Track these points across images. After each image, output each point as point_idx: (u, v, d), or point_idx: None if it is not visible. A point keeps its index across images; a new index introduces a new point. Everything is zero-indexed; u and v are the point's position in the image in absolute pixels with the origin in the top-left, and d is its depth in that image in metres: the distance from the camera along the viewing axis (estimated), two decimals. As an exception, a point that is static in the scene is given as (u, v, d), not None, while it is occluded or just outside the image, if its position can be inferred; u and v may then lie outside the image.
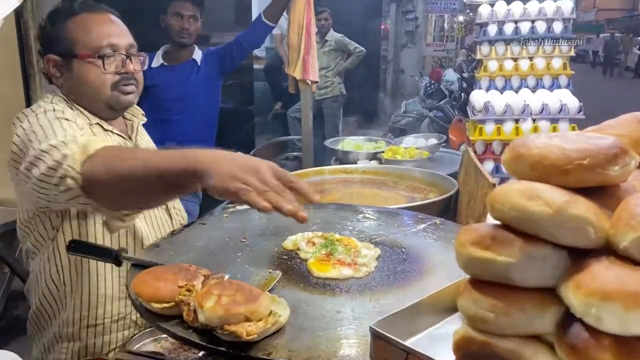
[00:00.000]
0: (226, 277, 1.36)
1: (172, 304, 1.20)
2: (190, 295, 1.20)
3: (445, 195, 2.20)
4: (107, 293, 1.79)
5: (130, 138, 1.90)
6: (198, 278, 1.27)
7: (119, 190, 1.35)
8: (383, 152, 3.11)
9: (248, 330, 1.09)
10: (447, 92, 7.83)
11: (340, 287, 1.38)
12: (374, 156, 3.14)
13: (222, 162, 1.20)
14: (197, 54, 3.90)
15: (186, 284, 1.22)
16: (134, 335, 1.63)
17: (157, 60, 3.87)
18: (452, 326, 1.08)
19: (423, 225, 1.81)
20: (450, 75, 8.53)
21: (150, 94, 3.96)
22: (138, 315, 1.71)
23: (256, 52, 7.22)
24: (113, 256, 1.50)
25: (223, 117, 4.15)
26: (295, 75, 3.39)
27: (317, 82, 3.50)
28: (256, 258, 1.55)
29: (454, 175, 2.75)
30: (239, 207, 3.17)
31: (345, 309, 1.26)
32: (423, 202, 2.13)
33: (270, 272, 1.41)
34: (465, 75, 7.76)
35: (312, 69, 3.37)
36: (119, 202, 1.43)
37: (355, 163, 3.09)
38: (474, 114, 2.41)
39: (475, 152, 2.30)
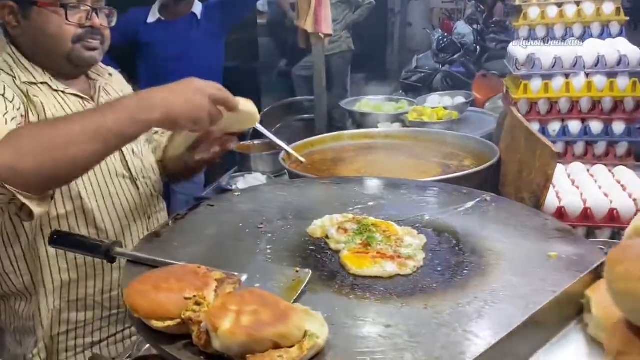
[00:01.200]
0: (243, 278, 1.10)
1: (178, 321, 0.94)
2: (201, 311, 0.94)
3: (488, 164, 1.91)
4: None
5: (92, 99, 1.67)
6: (209, 285, 1.00)
7: (51, 172, 1.20)
8: (406, 113, 2.81)
9: (278, 363, 0.83)
10: (460, 46, 7.41)
11: (385, 288, 1.11)
12: (396, 118, 2.84)
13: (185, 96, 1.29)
14: (197, 7, 3.56)
15: (194, 296, 0.96)
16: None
17: (153, 15, 3.53)
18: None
19: (471, 203, 1.53)
20: (462, 27, 8.05)
21: (146, 52, 3.63)
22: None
23: (258, 5, 6.80)
24: (103, 251, 1.24)
25: (226, 77, 3.83)
26: (307, 28, 3.05)
27: (330, 35, 3.16)
28: (277, 250, 1.28)
29: (488, 137, 2.46)
30: (247, 175, 2.93)
31: (396, 320, 1.00)
32: (463, 173, 1.84)
33: (297, 271, 1.14)
34: (478, 27, 7.34)
35: (324, 21, 3.03)
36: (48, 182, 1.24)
37: (375, 126, 2.79)
38: (517, 69, 2.10)
39: (519, 112, 2.00)
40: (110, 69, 1.83)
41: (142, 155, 1.75)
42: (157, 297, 0.95)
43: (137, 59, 3.59)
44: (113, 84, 1.78)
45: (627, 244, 0.58)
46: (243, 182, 2.83)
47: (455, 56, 7.36)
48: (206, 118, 1.28)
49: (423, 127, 2.61)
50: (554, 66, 2.06)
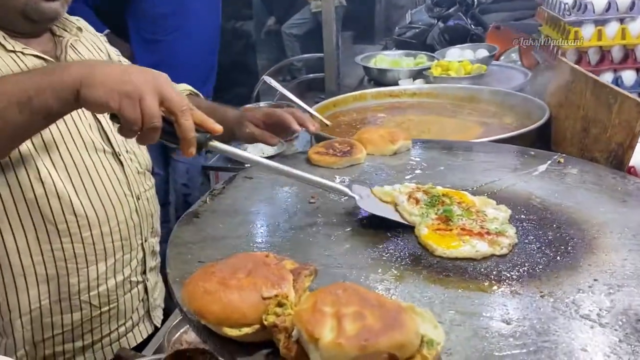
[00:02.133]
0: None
1: (257, 327, 0.75)
2: (286, 314, 0.75)
3: (542, 121, 1.73)
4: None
5: (58, 60, 1.39)
6: (286, 279, 0.81)
7: None
8: (428, 68, 2.60)
9: (404, 383, 0.65)
10: (456, -1, 7.13)
11: (482, 272, 0.94)
12: (417, 74, 2.63)
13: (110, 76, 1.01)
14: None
15: (275, 295, 0.77)
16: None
17: (142, -36, 3.21)
18: None
19: (544, 166, 1.35)
20: (457, -21, 7.77)
21: (137, 8, 3.33)
22: None
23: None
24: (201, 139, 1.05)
25: (221, 37, 3.56)
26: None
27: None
28: (340, 228, 1.09)
29: (519, 91, 2.27)
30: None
31: (513, 313, 0.83)
32: (517, 133, 1.66)
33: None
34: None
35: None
36: None
37: (396, 84, 2.58)
38: (566, 14, 1.90)
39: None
40: (81, 22, 1.55)
41: None
42: (228, 298, 0.76)
43: (126, 15, 3.29)
44: (84, 40, 1.51)
45: None
46: (252, 148, 2.61)
47: (451, 10, 7.09)
48: (132, 111, 0.98)
49: (450, 82, 2.41)
50: (607, 10, 1.86)
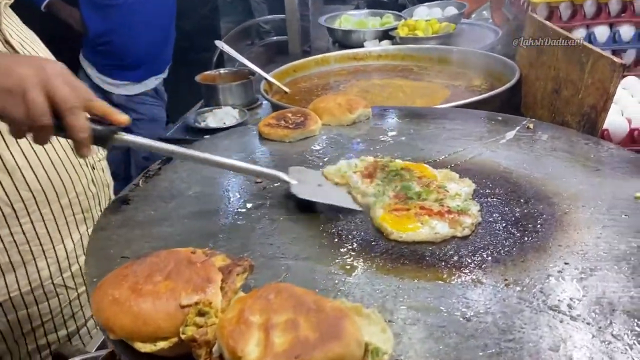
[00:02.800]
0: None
1: (175, 340, 0.64)
2: (208, 325, 0.64)
3: (511, 83, 1.62)
4: None
5: None
6: (213, 280, 0.70)
7: None
8: (395, 28, 2.46)
9: (341, 407, 0.55)
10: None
11: (443, 258, 0.84)
12: (383, 35, 2.49)
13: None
14: None
15: (196, 303, 0.66)
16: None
17: None
18: None
19: (512, 132, 1.25)
20: None
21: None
22: None
23: None
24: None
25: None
26: None
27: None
28: (288, 211, 0.98)
29: (490, 51, 2.16)
30: (216, 110, 2.56)
31: (475, 308, 0.73)
32: (485, 96, 1.55)
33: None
34: None
35: None
36: None
37: (361, 45, 2.44)
38: (536, -33, 1.77)
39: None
40: None
41: None
42: (140, 307, 0.65)
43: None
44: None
45: None
46: (213, 118, 2.46)
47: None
48: (15, 109, 0.85)
49: (417, 43, 2.28)
50: (579, -38, 1.74)
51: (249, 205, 1.00)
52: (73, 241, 1.29)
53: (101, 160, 1.43)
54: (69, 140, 1.27)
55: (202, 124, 2.42)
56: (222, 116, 2.44)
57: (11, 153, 1.16)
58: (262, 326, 0.60)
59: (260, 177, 1.04)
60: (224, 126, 2.30)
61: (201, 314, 0.65)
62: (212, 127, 2.34)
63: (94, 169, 1.37)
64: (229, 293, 0.70)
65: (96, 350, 1.26)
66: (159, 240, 0.90)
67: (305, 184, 1.01)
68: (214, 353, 0.61)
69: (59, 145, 1.26)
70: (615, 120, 1.46)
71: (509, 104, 1.67)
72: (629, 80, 1.71)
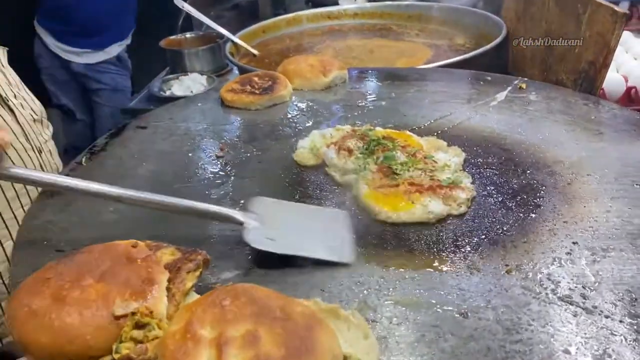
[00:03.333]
0: (247, 216, 0.68)
1: (109, 358, 0.52)
2: (148, 339, 0.52)
3: (497, 41, 1.49)
4: None
5: None
6: (156, 282, 0.57)
7: None
8: (372, -15, 2.29)
9: None
10: None
11: (434, 241, 0.72)
12: (360, -8, 2.32)
13: None
14: None
15: (133, 313, 0.53)
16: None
17: None
18: None
19: (503, 93, 1.12)
20: None
21: None
22: None
23: None
24: None
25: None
26: None
27: None
28: (255, 193, 0.85)
29: (473, 6, 2.02)
30: (182, 77, 2.39)
31: (474, 301, 0.62)
32: (470, 55, 1.42)
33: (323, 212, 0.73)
34: None
35: None
36: None
37: (336, 3, 2.27)
38: None
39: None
40: None
41: (4, 65, 1.22)
42: (63, 321, 0.52)
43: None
44: None
45: None
46: (179, 86, 2.29)
47: None
48: None
49: (397, 0, 2.12)
50: None
51: (209, 184, 0.87)
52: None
53: (47, 141, 1.27)
54: (11, 122, 1.13)
55: (168, 93, 2.25)
56: (189, 84, 2.28)
57: None
58: (214, 342, 0.48)
59: (208, 218, 0.74)
60: (191, 94, 2.15)
61: (140, 326, 0.52)
62: (178, 95, 2.18)
63: (41, 152, 1.21)
64: (177, 296, 0.58)
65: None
66: (102, 229, 0.76)
67: (265, 226, 0.72)
68: (155, 376, 0.49)
69: None
70: (611, 78, 1.34)
71: (496, 63, 1.55)
72: (623, 36, 1.59)
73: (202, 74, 2.36)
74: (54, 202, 0.84)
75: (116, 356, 0.50)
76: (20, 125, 1.16)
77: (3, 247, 1.08)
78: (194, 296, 0.60)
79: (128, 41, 3.11)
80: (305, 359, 0.46)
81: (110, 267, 0.58)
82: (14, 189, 1.06)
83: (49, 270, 0.58)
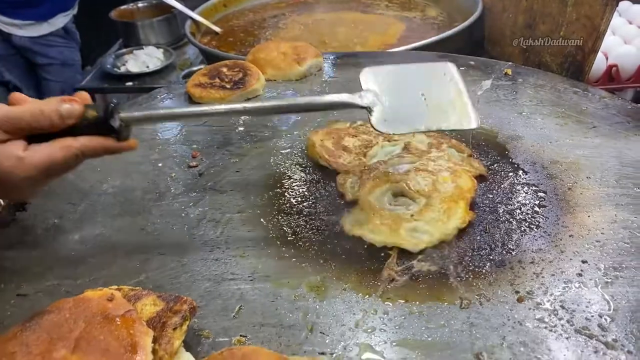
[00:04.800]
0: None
1: None
2: None
3: (475, 16, 1.42)
4: None
5: None
6: (140, 346, 0.50)
7: None
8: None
9: None
10: None
11: (434, 262, 0.67)
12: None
13: None
14: None
15: (117, 395, 0.46)
16: None
17: None
18: None
19: (488, 81, 1.07)
20: None
21: None
22: None
23: None
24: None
25: None
26: None
27: None
28: (233, 207, 0.77)
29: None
30: (137, 51, 2.24)
31: (488, 338, 0.57)
32: (447, 34, 1.35)
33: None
34: None
35: None
36: None
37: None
38: None
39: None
40: None
41: None
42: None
43: None
44: None
45: None
46: (134, 62, 2.15)
47: None
48: None
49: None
50: None
51: (184, 202, 0.79)
52: None
53: None
54: None
55: (122, 69, 2.12)
56: (145, 58, 2.14)
57: None
58: None
59: (332, 109, 0.75)
60: (148, 70, 2.01)
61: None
62: (134, 72, 2.05)
63: None
64: (165, 357, 0.51)
65: None
66: (68, 266, 0.68)
67: (389, 101, 0.70)
68: None
69: None
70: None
71: (470, 40, 1.49)
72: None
73: (158, 47, 2.23)
74: (6, 234, 0.74)
75: None
76: None
77: None
78: (183, 353, 0.54)
79: (74, 11, 2.89)
80: None
81: (86, 331, 0.51)
82: None
83: (13, 342, 0.50)
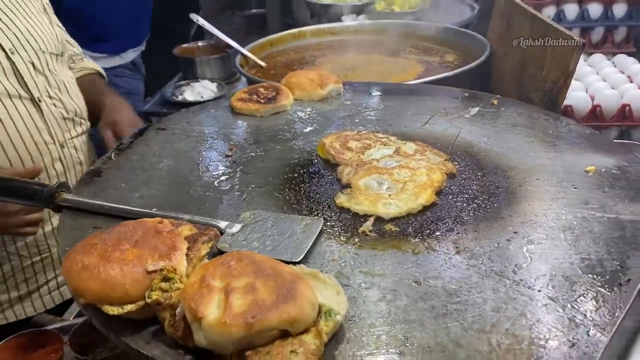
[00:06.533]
0: (222, 225, 0.84)
1: (142, 304, 0.68)
2: (172, 289, 0.68)
3: (481, 59, 1.65)
4: None
5: None
6: (178, 248, 0.74)
7: None
8: (373, 3, 2.47)
9: (293, 363, 0.60)
10: None
11: (402, 229, 0.88)
12: (361, 9, 2.50)
13: None
14: None
15: (161, 269, 0.70)
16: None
17: None
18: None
19: (477, 109, 1.29)
20: None
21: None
22: None
23: None
24: (46, 197, 0.93)
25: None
26: None
27: None
28: (256, 185, 1.01)
29: (466, 26, 2.19)
30: (194, 83, 2.56)
31: (426, 274, 0.78)
32: (453, 73, 1.59)
33: (303, 221, 0.88)
34: None
35: None
36: None
37: (339, 20, 2.45)
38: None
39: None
40: None
41: (50, 70, 1.39)
42: (108, 272, 0.69)
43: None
44: None
45: None
46: (190, 92, 2.47)
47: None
48: None
49: (393, 18, 2.30)
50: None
51: (219, 178, 1.03)
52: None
53: (76, 137, 1.45)
54: (37, 120, 1.31)
55: (180, 98, 2.43)
56: (200, 90, 2.46)
57: None
58: (223, 290, 0.65)
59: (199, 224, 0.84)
60: (201, 100, 2.31)
61: (166, 279, 0.69)
62: (190, 100, 2.36)
63: (64, 147, 1.39)
64: (194, 260, 0.74)
65: (73, 318, 1.31)
66: (128, 212, 0.93)
67: (246, 231, 0.86)
68: (177, 315, 0.65)
69: (22, 123, 1.30)
70: (579, 97, 1.51)
71: (480, 80, 1.71)
72: (595, 58, 1.76)
73: (212, 81, 2.54)
74: (88, 190, 1.00)
75: (148, 300, 0.67)
76: (46, 122, 1.34)
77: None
78: (205, 262, 0.76)
79: (142, 47, 3.30)
80: (290, 302, 0.63)
81: (142, 237, 0.74)
82: None
83: (95, 238, 0.74)
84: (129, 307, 0.68)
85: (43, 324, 1.27)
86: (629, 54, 1.77)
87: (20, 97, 1.30)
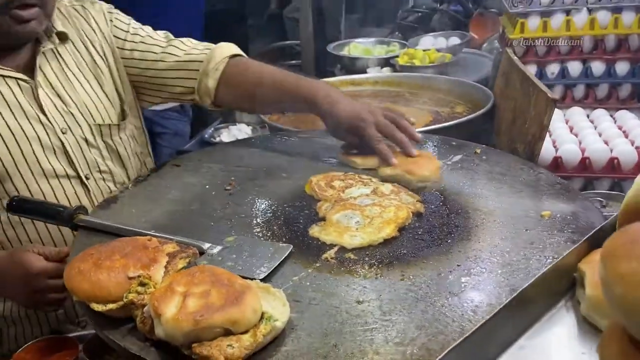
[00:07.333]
0: (205, 246, 0.99)
1: (121, 303, 0.83)
2: (146, 293, 0.83)
3: (479, 112, 1.77)
4: None
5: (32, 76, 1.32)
6: (158, 261, 0.89)
7: None
8: (397, 56, 2.63)
9: (228, 354, 0.73)
10: (459, -18, 7.03)
11: (361, 258, 1.00)
12: (386, 62, 2.66)
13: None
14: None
15: (139, 276, 0.85)
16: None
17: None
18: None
19: (460, 156, 1.40)
20: (462, -38, 7.64)
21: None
22: None
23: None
24: (66, 217, 1.11)
25: (209, 22, 3.62)
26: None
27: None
28: (245, 215, 1.16)
29: (484, 82, 2.30)
30: (231, 126, 2.78)
31: (369, 296, 0.89)
32: (452, 123, 1.71)
33: (274, 246, 1.02)
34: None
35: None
36: None
37: (364, 71, 2.62)
38: (513, 6, 1.92)
39: (514, 53, 1.84)
40: (69, 28, 1.41)
41: (105, 141, 1.42)
42: (97, 276, 0.85)
43: None
44: (74, 39, 1.42)
45: (636, 231, 0.45)
46: (227, 134, 2.69)
47: (454, -6, 7.01)
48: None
49: (414, 71, 2.44)
50: (553, 2, 1.88)
51: (215, 208, 1.19)
52: None
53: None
54: (81, 198, 1.36)
55: (217, 139, 2.65)
56: (236, 132, 2.67)
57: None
58: (183, 294, 0.79)
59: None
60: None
61: (142, 284, 0.84)
62: (225, 141, 2.57)
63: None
64: (170, 272, 0.90)
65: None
66: (131, 234, 1.09)
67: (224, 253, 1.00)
68: (145, 313, 0.80)
69: (67, 204, 1.32)
70: (570, 149, 1.58)
71: (484, 130, 1.82)
72: (597, 113, 1.83)
73: (248, 125, 2.75)
74: (104, 213, 1.19)
75: (125, 300, 0.82)
76: (91, 198, 1.38)
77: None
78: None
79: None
80: (234, 307, 0.76)
81: (131, 250, 0.90)
82: None
83: (93, 249, 0.91)
84: (111, 306, 0.83)
85: (64, 331, 1.45)
86: (633, 110, 1.83)
87: (67, 176, 1.34)
